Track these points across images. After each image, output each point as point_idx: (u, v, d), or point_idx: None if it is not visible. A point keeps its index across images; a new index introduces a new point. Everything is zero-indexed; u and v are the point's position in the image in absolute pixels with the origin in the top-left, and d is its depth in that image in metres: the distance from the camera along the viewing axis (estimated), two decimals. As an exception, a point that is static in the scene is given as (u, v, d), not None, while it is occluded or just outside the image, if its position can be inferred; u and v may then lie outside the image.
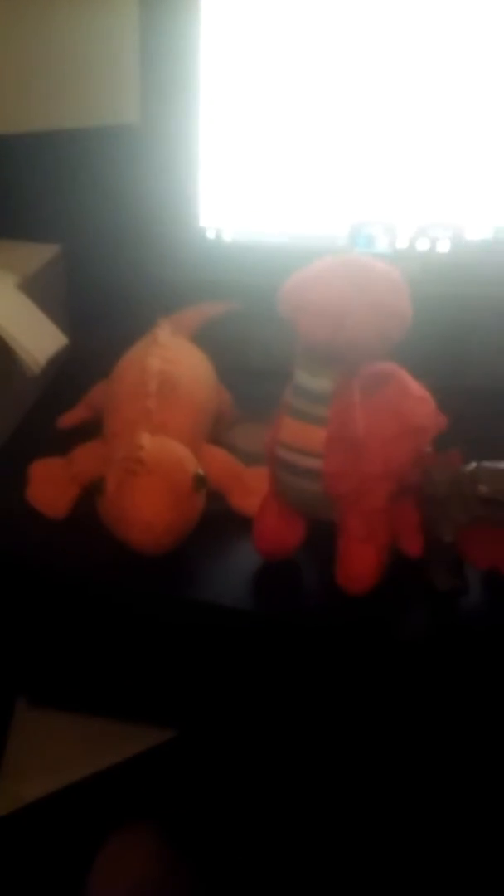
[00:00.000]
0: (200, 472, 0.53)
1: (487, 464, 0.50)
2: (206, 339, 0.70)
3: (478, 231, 0.73)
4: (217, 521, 0.57)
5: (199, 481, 0.53)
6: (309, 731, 0.59)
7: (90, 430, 0.64)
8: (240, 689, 0.59)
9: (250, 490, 0.58)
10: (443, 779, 0.58)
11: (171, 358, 0.61)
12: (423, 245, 0.75)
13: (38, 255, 0.74)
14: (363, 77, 0.69)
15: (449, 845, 0.63)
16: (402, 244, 0.75)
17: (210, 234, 0.76)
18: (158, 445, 0.53)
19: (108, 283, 0.81)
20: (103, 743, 0.75)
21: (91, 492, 0.54)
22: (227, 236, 0.76)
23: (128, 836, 0.66)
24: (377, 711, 0.55)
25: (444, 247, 0.74)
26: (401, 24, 0.67)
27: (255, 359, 0.75)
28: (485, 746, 0.54)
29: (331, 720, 0.57)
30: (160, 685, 0.64)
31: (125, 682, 0.65)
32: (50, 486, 0.60)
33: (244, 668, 0.57)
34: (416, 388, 0.54)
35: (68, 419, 0.67)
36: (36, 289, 0.69)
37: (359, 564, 0.51)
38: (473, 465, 0.51)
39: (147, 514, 0.50)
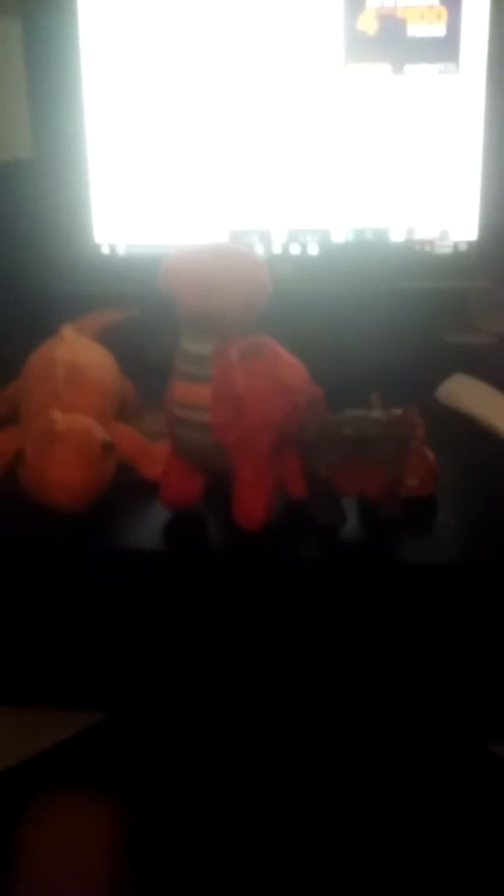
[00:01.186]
0: (108, 438, 0.61)
1: (350, 411, 0.60)
2: (110, 341, 0.77)
3: (342, 234, 0.84)
4: (128, 488, 0.65)
5: (108, 446, 0.61)
6: (221, 663, 0.66)
7: (6, 425, 0.70)
8: (162, 639, 0.66)
9: (155, 459, 0.66)
10: (360, 697, 0.65)
11: (75, 349, 0.69)
12: (295, 249, 0.85)
13: None
14: (231, 101, 0.79)
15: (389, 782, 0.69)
16: (276, 249, 0.85)
17: (105, 249, 0.84)
18: (69, 418, 0.61)
19: (15, 300, 0.88)
20: (33, 731, 0.77)
21: (11, 471, 0.61)
22: (121, 250, 0.84)
23: (56, 792, 0.70)
24: (277, 634, 0.63)
25: (313, 250, 0.85)
26: (259, 45, 0.78)
27: (153, 357, 0.83)
28: (371, 646, 0.62)
29: (235, 646, 0.64)
30: (88, 657, 0.69)
31: (52, 658, 0.70)
32: (-27, 469, 0.66)
33: (160, 613, 0.64)
34: (287, 356, 0.63)
35: (-15, 417, 0.74)
36: None
37: (250, 504, 0.60)
38: (338, 413, 0.60)
39: (63, 475, 0.58)
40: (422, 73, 0.77)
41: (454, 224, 0.82)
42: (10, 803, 0.71)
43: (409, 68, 0.77)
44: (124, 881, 0.66)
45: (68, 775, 0.74)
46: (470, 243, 0.82)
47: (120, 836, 0.70)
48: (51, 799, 0.72)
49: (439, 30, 0.76)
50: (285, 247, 0.84)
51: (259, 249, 0.84)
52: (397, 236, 0.83)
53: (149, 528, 0.62)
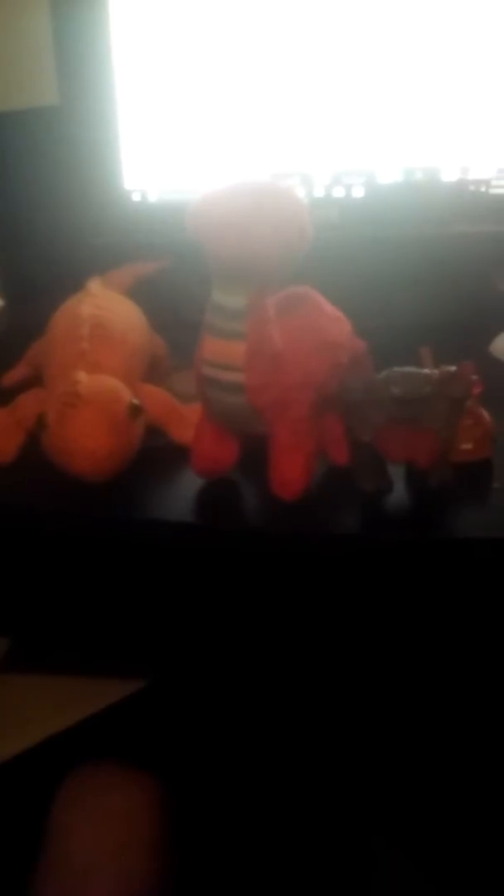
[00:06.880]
0: (135, 401, 0.57)
1: (398, 368, 0.55)
2: (140, 296, 0.73)
3: (389, 175, 0.78)
4: (158, 454, 0.61)
5: (135, 410, 0.56)
6: (260, 636, 0.62)
7: (32, 387, 0.67)
8: (198, 610, 0.63)
9: (187, 423, 0.62)
10: (395, 666, 0.62)
11: (102, 305, 0.65)
12: (338, 192, 0.79)
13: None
14: (267, 38, 0.73)
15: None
16: (319, 192, 0.79)
17: (135, 196, 0.79)
18: (94, 380, 0.56)
19: (43, 251, 0.84)
20: (73, 699, 0.76)
21: (37, 435, 0.57)
22: (152, 197, 0.79)
23: (92, 768, 0.68)
24: (316, 610, 0.59)
25: (358, 192, 0.79)
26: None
27: (186, 312, 0.78)
28: (417, 626, 0.58)
29: (270, 622, 0.61)
30: (125, 623, 0.67)
31: (91, 624, 0.68)
32: (-4, 433, 0.63)
33: (192, 587, 0.60)
34: (329, 308, 0.58)
35: (10, 378, 0.71)
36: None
37: (288, 471, 0.55)
38: (385, 371, 0.55)
39: (88, 441, 0.54)
40: (480, -10, 0.70)
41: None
42: (48, 774, 0.70)
43: (466, -15, 0.70)
44: (161, 858, 0.64)
45: (106, 746, 0.73)
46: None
47: (157, 810, 0.68)
48: (88, 770, 0.70)
49: None
50: (328, 189, 0.79)
51: (300, 193, 0.78)
52: (450, 176, 0.78)
53: (179, 497, 0.58)
